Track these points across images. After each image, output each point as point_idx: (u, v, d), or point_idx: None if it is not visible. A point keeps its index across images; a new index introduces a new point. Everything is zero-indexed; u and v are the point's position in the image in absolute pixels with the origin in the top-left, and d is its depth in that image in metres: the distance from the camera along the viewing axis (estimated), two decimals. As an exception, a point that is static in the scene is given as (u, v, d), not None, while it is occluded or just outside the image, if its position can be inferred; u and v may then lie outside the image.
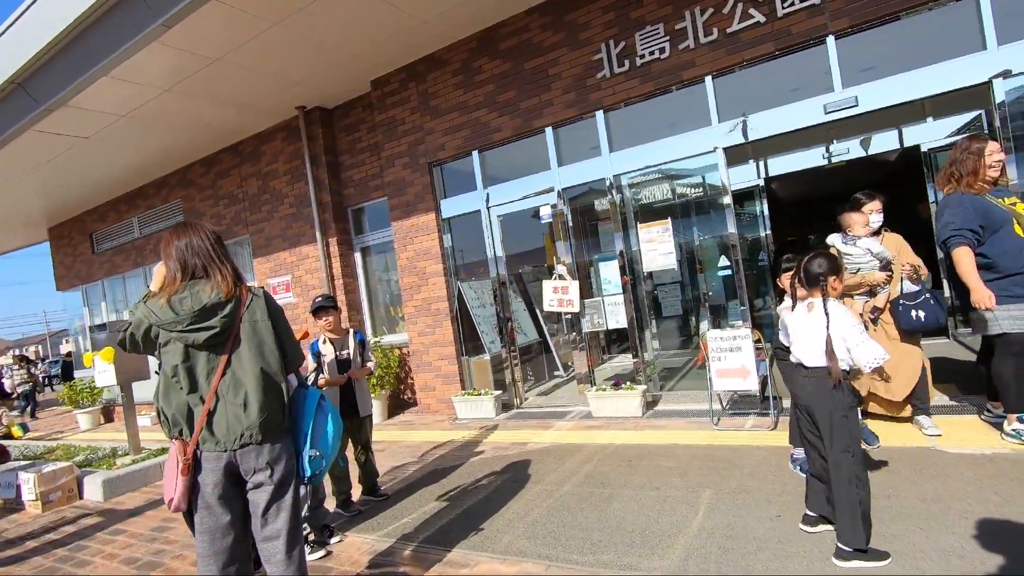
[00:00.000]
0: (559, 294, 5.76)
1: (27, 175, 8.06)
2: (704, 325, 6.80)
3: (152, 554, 3.73)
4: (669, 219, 5.29)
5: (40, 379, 18.43)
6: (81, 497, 5.39)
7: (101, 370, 5.65)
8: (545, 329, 7.60)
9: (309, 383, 2.53)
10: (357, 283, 7.62)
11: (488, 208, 6.23)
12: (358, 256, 7.59)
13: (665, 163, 5.34)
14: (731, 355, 4.46)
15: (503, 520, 3.36)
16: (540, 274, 7.34)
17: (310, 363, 3.81)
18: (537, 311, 7.52)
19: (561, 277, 5.77)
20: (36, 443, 8.10)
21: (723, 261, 6.76)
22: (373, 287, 7.74)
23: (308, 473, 2.28)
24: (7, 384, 13.08)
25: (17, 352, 18.91)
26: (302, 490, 3.04)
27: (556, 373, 7.63)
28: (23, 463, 5.97)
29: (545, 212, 6.00)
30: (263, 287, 2.32)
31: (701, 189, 6.63)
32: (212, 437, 2.09)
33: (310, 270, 7.61)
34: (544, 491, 3.73)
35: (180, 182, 8.93)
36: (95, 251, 10.78)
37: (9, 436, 9.23)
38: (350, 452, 3.92)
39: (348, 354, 3.92)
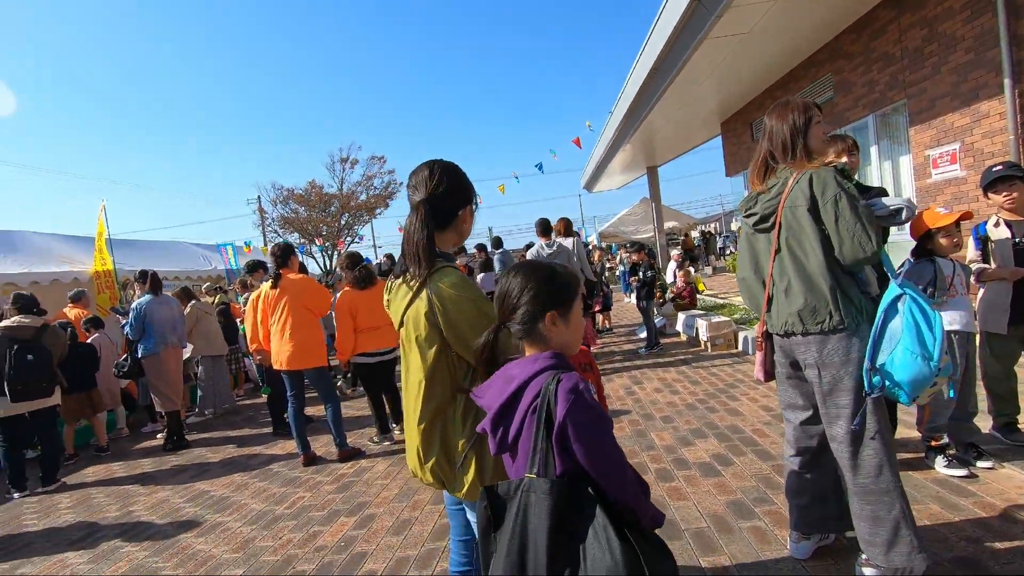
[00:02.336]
0: None
1: (706, 80, 9.70)
2: None
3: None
4: None
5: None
6: (738, 347, 6.61)
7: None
8: None
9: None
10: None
11: None
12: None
13: None
14: None
15: None
16: None
17: (971, 252, 3.09)
18: None
19: None
20: (709, 299, 10.37)
21: None
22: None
23: (867, 389, 1.89)
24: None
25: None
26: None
27: None
28: (698, 313, 7.82)
29: None
30: (835, 165, 1.99)
31: None
32: (770, 319, 2.15)
33: (989, 133, 5.90)
34: None
35: (829, 56, 8.56)
36: (754, 138, 12.06)
37: (696, 289, 12.19)
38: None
39: (1033, 242, 2.92)
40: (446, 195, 1.62)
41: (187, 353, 6.52)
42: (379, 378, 4.85)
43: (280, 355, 4.42)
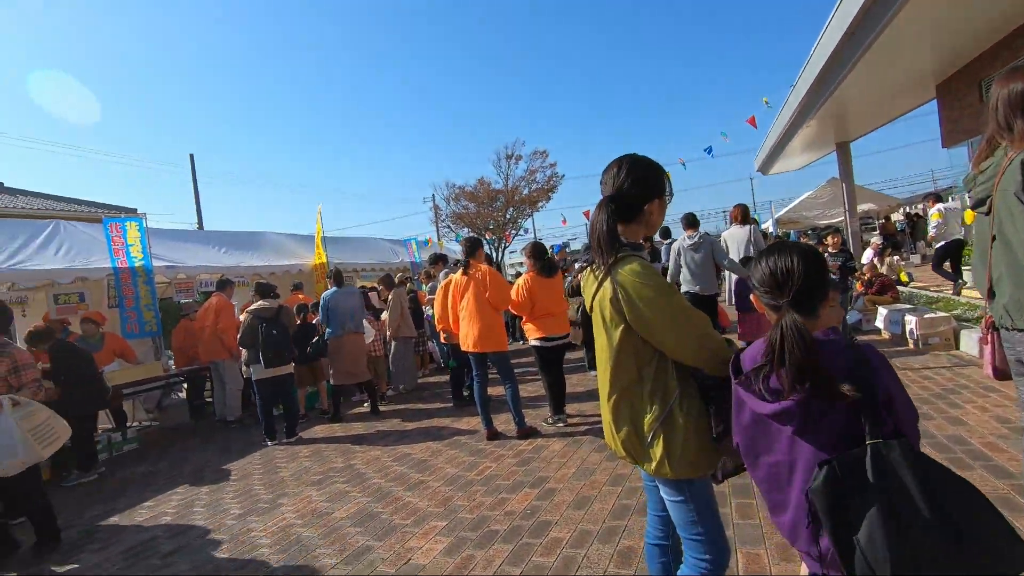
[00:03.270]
0: None
1: (915, 38, 8.34)
2: None
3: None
4: None
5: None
6: (958, 348, 5.66)
7: (982, 228, 5.48)
8: None
9: None
10: None
11: None
12: None
13: None
14: None
15: None
16: None
17: None
18: None
19: None
20: (919, 292, 8.94)
21: None
22: None
23: None
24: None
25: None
26: None
27: None
28: (906, 307, 6.81)
29: None
30: None
31: None
32: (991, 309, 1.92)
33: None
34: None
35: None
36: (982, 100, 10.04)
37: (899, 281, 10.58)
38: None
39: None
40: (632, 190, 1.72)
41: (368, 337, 7.26)
42: (554, 361, 5.13)
43: (467, 338, 4.91)
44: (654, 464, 1.64)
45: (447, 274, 7.57)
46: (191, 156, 24.82)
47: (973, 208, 1.97)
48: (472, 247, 5.11)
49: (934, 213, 10.34)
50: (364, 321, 7.10)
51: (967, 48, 9.43)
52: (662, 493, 1.75)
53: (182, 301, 8.59)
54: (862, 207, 18.21)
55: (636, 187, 1.72)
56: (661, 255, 8.10)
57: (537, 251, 5.30)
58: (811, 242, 8.64)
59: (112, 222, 7.52)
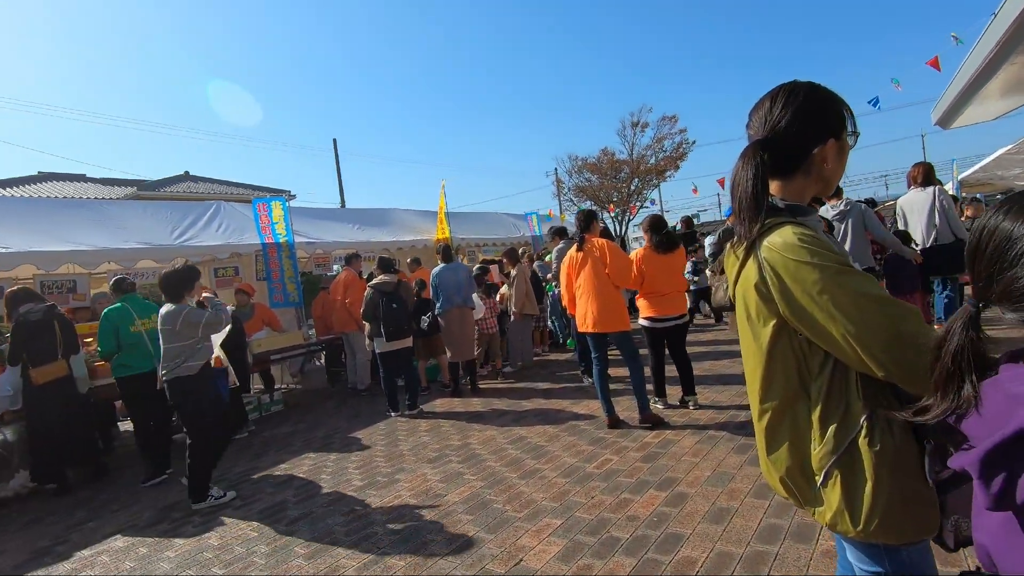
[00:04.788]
0: None
1: None
2: None
3: None
4: None
5: None
6: None
7: None
8: None
9: None
10: None
11: None
12: None
13: None
14: None
15: None
16: None
17: None
18: None
19: None
20: None
21: None
22: None
23: None
24: None
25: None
26: None
27: None
28: None
29: None
30: None
31: None
32: None
33: None
34: None
35: None
36: None
37: None
38: None
39: None
40: (791, 128, 1.22)
41: (478, 313, 7.07)
42: (662, 342, 4.91)
43: (585, 317, 4.57)
44: (828, 515, 1.16)
45: (562, 250, 7.23)
46: (334, 141, 26.89)
47: None
48: (587, 220, 4.79)
49: None
50: (475, 297, 7.00)
51: None
52: (850, 557, 1.27)
53: (322, 274, 9.22)
54: (1086, 163, 14.60)
55: (800, 124, 1.21)
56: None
57: (654, 224, 4.98)
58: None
59: (260, 202, 8.17)
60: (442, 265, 6.81)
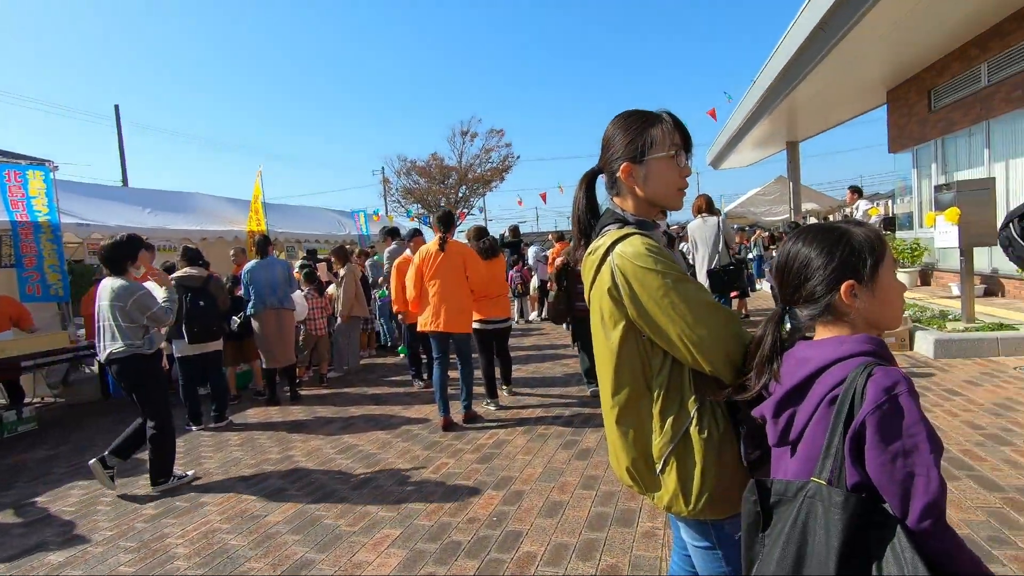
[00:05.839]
0: None
1: (878, 41, 8.43)
2: None
3: (998, 429, 3.54)
4: None
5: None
6: (911, 348, 5.75)
7: (943, 231, 5.56)
8: None
9: None
10: None
11: None
12: None
13: None
14: None
15: None
16: None
17: None
18: None
19: None
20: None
21: None
22: None
23: None
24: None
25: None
26: None
27: None
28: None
29: None
30: None
31: None
32: None
33: None
34: None
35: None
36: (931, 109, 10.41)
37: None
38: None
39: None
40: (604, 154, 1.40)
41: (302, 314, 6.45)
42: (491, 344, 5.23)
43: (437, 316, 4.57)
44: (666, 498, 1.29)
45: (395, 251, 7.06)
46: (116, 108, 22.59)
47: None
48: (448, 221, 4.82)
49: (872, 208, 10.93)
50: (299, 296, 6.44)
51: (921, 55, 9.68)
52: (683, 535, 1.43)
53: (95, 265, 7.63)
54: (807, 206, 18.86)
55: (606, 150, 1.40)
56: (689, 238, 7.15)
57: (479, 232, 5.41)
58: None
59: (10, 169, 6.51)
60: (255, 261, 6.10)
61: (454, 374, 4.90)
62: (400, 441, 4.40)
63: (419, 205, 30.02)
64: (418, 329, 4.86)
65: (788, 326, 1.16)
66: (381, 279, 7.79)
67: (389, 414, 5.22)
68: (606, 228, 1.37)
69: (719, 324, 1.22)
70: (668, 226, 1.56)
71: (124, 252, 3.82)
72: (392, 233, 7.68)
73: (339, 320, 7.14)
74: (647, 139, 1.34)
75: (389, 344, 8.68)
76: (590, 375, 4.99)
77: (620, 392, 1.35)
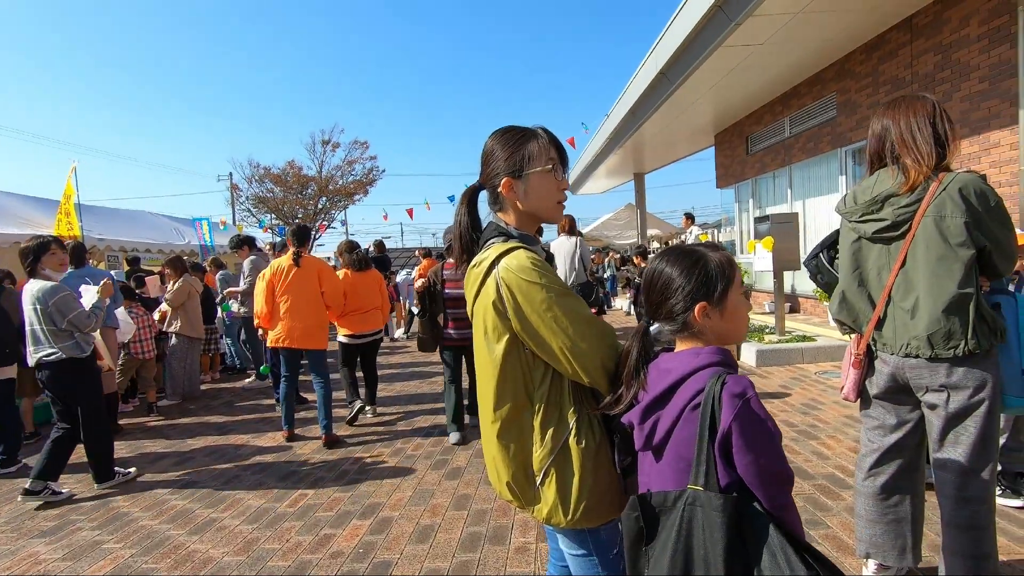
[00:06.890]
0: None
1: (708, 89, 9.69)
2: None
3: (807, 426, 4.15)
4: None
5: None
6: (739, 358, 6.58)
7: (761, 256, 6.47)
8: None
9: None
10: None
11: None
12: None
13: None
14: None
15: None
16: None
17: None
18: None
19: None
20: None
21: None
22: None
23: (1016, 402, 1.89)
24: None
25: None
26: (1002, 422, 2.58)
27: None
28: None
29: None
30: (974, 174, 1.83)
31: None
32: (881, 337, 1.98)
33: (997, 162, 6.01)
34: None
35: (835, 75, 8.65)
36: (748, 152, 12.17)
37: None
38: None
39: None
40: (483, 171, 1.43)
41: (126, 335, 5.58)
42: (357, 358, 5.25)
43: (291, 332, 4.42)
44: (545, 510, 1.31)
45: (256, 262, 6.48)
46: None
47: (878, 232, 1.92)
48: (303, 235, 4.74)
49: (703, 234, 12.44)
50: (121, 313, 5.56)
51: (742, 105, 11.31)
52: (561, 544, 1.44)
53: None
54: (651, 231, 20.84)
55: (484, 166, 1.42)
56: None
57: (351, 246, 5.47)
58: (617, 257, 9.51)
59: None
60: (68, 271, 5.14)
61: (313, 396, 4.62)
62: (250, 474, 3.95)
63: (273, 215, 27.88)
64: (268, 344, 4.68)
65: (652, 337, 1.26)
66: (227, 291, 7.03)
67: (237, 444, 4.68)
68: (491, 241, 1.36)
69: (598, 337, 1.27)
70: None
71: (34, 253, 3.71)
72: (246, 243, 6.98)
73: (173, 340, 6.30)
74: (525, 154, 1.36)
75: (238, 366, 7.85)
76: (457, 419, 4.35)
77: (503, 406, 1.33)
